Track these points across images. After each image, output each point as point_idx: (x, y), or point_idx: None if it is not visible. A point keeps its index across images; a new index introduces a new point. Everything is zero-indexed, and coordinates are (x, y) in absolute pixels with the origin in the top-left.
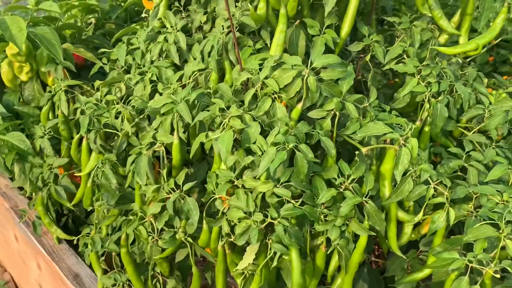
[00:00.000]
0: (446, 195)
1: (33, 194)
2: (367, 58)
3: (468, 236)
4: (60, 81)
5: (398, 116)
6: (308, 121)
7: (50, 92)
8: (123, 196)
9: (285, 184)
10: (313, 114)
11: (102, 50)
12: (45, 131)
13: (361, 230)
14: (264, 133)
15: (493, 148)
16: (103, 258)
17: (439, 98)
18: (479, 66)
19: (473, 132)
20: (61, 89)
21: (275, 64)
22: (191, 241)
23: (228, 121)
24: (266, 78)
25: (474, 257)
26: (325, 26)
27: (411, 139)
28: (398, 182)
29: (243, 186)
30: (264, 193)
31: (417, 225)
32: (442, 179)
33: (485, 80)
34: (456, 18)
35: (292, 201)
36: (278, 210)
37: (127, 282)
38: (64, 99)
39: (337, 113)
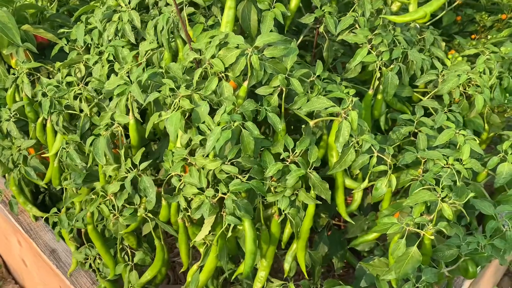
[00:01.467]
0: (389, 163)
1: (6, 174)
2: (321, 29)
3: (407, 200)
4: (22, 63)
5: (347, 86)
6: (259, 98)
7: (14, 74)
8: (90, 175)
9: (233, 160)
10: (260, 91)
11: (62, 30)
12: (11, 113)
13: (309, 199)
14: (214, 112)
15: (445, 112)
16: (71, 234)
17: (391, 66)
18: (447, 26)
19: (428, 97)
20: (23, 71)
21: (222, 43)
22: (152, 216)
23: (178, 101)
24: (212, 57)
25: (411, 221)
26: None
27: (351, 112)
28: (339, 153)
29: (196, 164)
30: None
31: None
32: (386, 147)
33: (443, 44)
34: None
35: (240, 176)
36: (228, 186)
37: (98, 256)
38: (27, 81)
39: (284, 88)
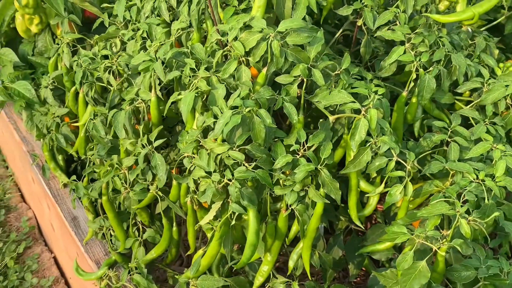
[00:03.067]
0: (408, 169)
1: (41, 140)
2: (359, 23)
3: (422, 211)
4: (65, 34)
5: (378, 85)
6: (279, 87)
7: (57, 44)
8: (114, 148)
9: (241, 147)
10: (280, 79)
11: (105, 5)
12: (49, 81)
13: (317, 197)
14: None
15: (485, 124)
16: (87, 204)
17: (430, 68)
18: (509, 35)
19: (471, 107)
20: (65, 42)
21: (246, 25)
22: (162, 195)
23: (197, 82)
24: (234, 39)
25: (422, 233)
26: None
27: (371, 110)
28: (354, 152)
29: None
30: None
31: None
32: (406, 153)
33: (496, 51)
34: None
35: (246, 164)
36: (234, 172)
37: (111, 228)
38: (67, 51)
39: (305, 79)
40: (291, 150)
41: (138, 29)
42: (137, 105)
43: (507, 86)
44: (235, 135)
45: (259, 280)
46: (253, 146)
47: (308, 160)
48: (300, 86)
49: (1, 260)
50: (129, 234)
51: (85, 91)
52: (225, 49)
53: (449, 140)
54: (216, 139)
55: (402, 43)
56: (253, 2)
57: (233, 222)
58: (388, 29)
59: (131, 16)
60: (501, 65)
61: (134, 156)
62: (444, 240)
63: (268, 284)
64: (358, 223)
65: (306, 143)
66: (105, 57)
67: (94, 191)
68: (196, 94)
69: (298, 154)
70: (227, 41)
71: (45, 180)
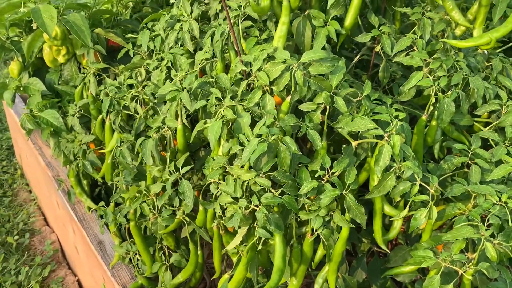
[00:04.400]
0: (432, 193)
1: (67, 166)
2: (377, 49)
3: (447, 235)
4: (91, 63)
5: (398, 109)
6: (303, 114)
7: (83, 73)
8: (139, 173)
9: (268, 174)
10: (303, 107)
11: (129, 35)
12: (76, 109)
13: (343, 221)
14: (255, 124)
15: (505, 146)
16: (114, 229)
17: (449, 92)
18: None
19: (490, 128)
20: (91, 71)
21: (269, 56)
22: (189, 220)
23: (222, 110)
24: (259, 70)
25: (449, 257)
26: (330, 17)
27: (394, 136)
28: (379, 177)
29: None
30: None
31: None
32: (430, 177)
33: None
34: (474, 9)
35: (272, 190)
36: (260, 198)
37: (137, 252)
38: (93, 81)
39: (327, 106)
40: (316, 176)
41: (163, 59)
42: (163, 133)
43: None
44: (261, 162)
45: None
46: (279, 172)
47: (333, 185)
48: (323, 112)
49: (27, 284)
50: (155, 259)
51: (112, 119)
52: (249, 79)
53: (470, 162)
54: (243, 166)
55: (420, 68)
56: (274, 33)
57: (260, 247)
58: (406, 55)
59: (155, 46)
60: None
61: (162, 183)
62: (470, 264)
63: None
64: (383, 247)
65: (331, 169)
66: (131, 86)
67: (121, 217)
68: (223, 122)
69: (323, 180)
70: (251, 70)
71: (70, 205)
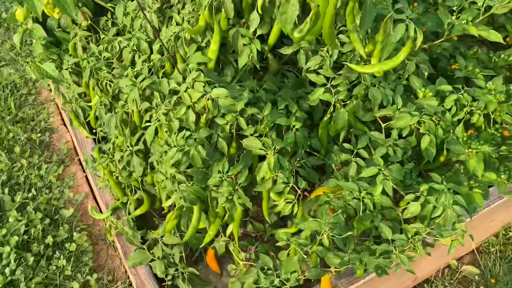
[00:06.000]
0: (299, 192)
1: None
2: (299, 62)
3: (299, 225)
4: (79, 27)
5: (298, 119)
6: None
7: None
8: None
9: (185, 170)
10: (218, 120)
11: (109, 5)
12: (68, 65)
13: (236, 204)
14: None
15: (388, 146)
16: None
17: (348, 102)
18: None
19: (386, 126)
20: (78, 36)
21: (194, 82)
22: (140, 179)
23: (159, 114)
24: (186, 90)
25: (288, 239)
26: (256, 35)
27: (270, 157)
28: (259, 181)
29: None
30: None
31: None
32: (299, 181)
33: (426, 73)
34: (372, 43)
35: (186, 182)
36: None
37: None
38: (80, 44)
39: (234, 123)
40: (219, 174)
41: (130, 39)
42: (126, 110)
43: (413, 116)
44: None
45: (206, 240)
46: (193, 170)
47: (228, 183)
48: (231, 125)
49: (47, 177)
50: (126, 193)
51: (93, 85)
52: (178, 95)
53: (352, 160)
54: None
55: (324, 84)
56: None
57: (184, 209)
58: (315, 71)
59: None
60: (423, 89)
61: (121, 152)
62: (314, 245)
63: (216, 239)
64: (267, 219)
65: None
66: (107, 58)
67: (99, 164)
68: (158, 123)
69: (224, 177)
70: (180, 85)
71: (73, 129)
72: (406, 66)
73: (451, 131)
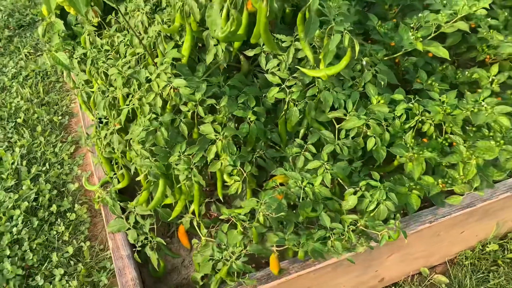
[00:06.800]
0: (245, 176)
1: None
2: (260, 64)
3: (243, 204)
4: (88, 23)
5: (255, 112)
6: None
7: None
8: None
9: (149, 148)
10: (181, 107)
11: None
12: (78, 55)
13: (194, 182)
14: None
15: (336, 144)
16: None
17: (300, 101)
18: None
19: (339, 127)
20: (86, 31)
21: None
22: (121, 155)
23: (134, 99)
24: (157, 77)
25: (230, 214)
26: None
27: (218, 142)
28: (209, 163)
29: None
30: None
31: None
32: (246, 163)
33: (382, 83)
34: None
35: (150, 158)
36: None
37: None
38: (87, 38)
39: (195, 110)
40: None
41: (124, 36)
42: (114, 95)
43: (360, 119)
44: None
45: (173, 215)
46: (156, 148)
47: (185, 162)
48: (193, 113)
49: (60, 154)
50: (113, 169)
51: (94, 71)
52: (149, 83)
53: (302, 153)
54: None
55: (279, 84)
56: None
57: (152, 184)
58: (273, 73)
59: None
60: (377, 97)
61: (105, 131)
62: (254, 222)
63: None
64: (221, 198)
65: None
66: (107, 51)
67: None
68: (133, 106)
69: (185, 155)
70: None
71: (82, 113)
72: (363, 75)
73: (402, 137)
